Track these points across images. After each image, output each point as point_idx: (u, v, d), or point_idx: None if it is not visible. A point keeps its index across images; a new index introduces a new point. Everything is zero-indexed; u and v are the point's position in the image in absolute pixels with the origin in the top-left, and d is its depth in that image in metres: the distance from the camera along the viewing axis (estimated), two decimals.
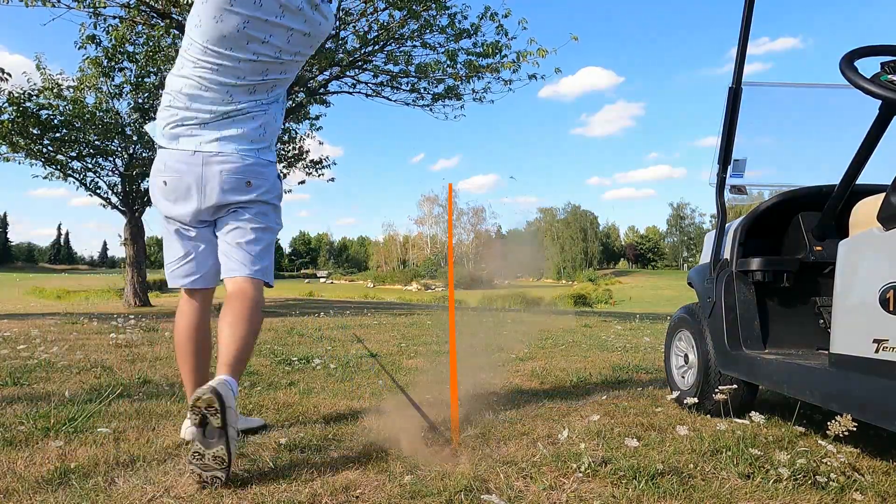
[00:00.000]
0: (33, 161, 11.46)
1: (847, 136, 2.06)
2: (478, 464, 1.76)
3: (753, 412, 2.03)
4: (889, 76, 1.65)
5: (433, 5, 8.60)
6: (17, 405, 2.37)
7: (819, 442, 1.88)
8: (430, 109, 10.31)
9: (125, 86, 10.88)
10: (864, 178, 2.05)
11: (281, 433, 2.08)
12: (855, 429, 1.66)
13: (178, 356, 2.06)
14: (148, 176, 12.86)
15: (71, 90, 10.98)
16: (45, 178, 12.15)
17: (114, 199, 12.17)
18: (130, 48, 9.80)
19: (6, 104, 9.97)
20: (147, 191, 12.18)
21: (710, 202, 2.61)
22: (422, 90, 9.98)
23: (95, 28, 8.45)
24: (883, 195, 1.59)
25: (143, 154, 11.86)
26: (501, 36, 8.90)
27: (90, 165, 11.96)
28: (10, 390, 2.70)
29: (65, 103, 10.89)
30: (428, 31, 9.04)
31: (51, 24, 7.81)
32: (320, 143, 13.42)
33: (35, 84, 10.80)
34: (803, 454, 1.75)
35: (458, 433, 2.06)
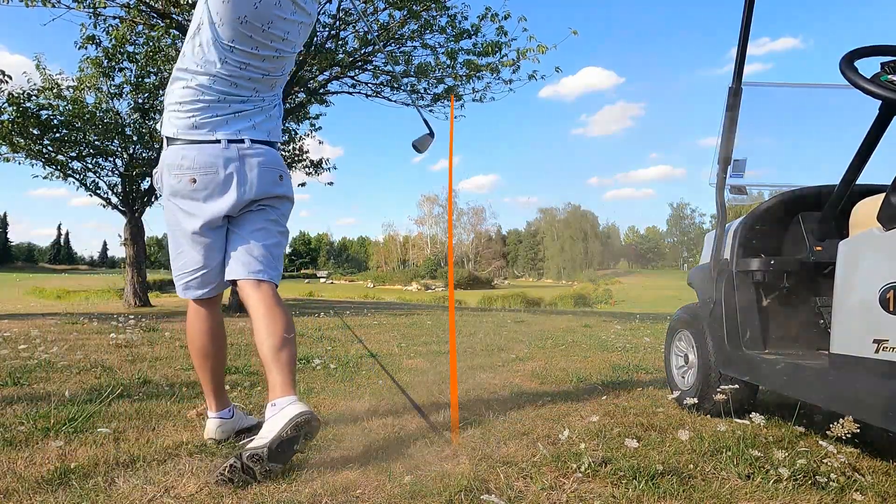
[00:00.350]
0: (33, 161, 11.48)
1: (847, 136, 2.06)
2: (478, 464, 1.76)
3: (753, 412, 2.03)
4: (889, 76, 1.65)
5: (433, 5, 8.61)
6: (17, 405, 2.37)
7: (819, 442, 1.88)
8: (430, 109, 10.32)
9: (125, 86, 10.90)
10: (864, 178, 2.05)
11: None
12: (857, 430, 1.66)
13: (198, 364, 2.02)
14: (148, 176, 12.83)
15: (71, 90, 10.99)
16: (45, 178, 12.18)
17: (114, 199, 12.19)
18: (130, 48, 9.80)
19: (6, 104, 9.97)
20: (147, 191, 12.20)
21: (710, 202, 2.61)
22: (422, 90, 9.99)
23: (95, 28, 8.46)
24: (883, 195, 1.59)
25: (143, 154, 11.87)
26: (501, 36, 8.91)
27: (90, 165, 11.98)
28: (10, 390, 2.70)
29: (65, 103, 10.90)
30: (428, 31, 9.04)
31: (51, 24, 7.81)
32: (320, 143, 13.42)
33: (35, 84, 10.82)
34: (803, 454, 1.75)
35: (458, 433, 2.06)
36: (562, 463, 1.75)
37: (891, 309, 1.46)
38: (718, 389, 2.20)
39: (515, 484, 1.62)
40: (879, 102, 1.77)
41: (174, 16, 7.93)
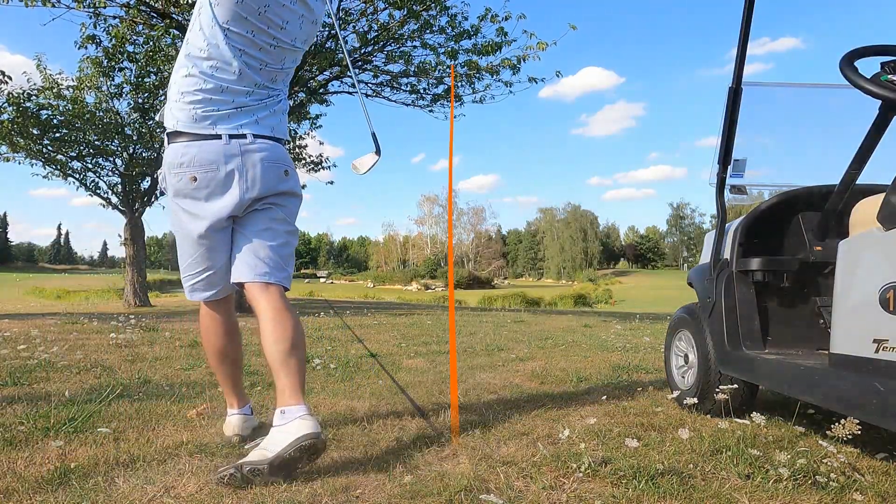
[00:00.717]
0: (33, 161, 11.49)
1: (847, 136, 2.06)
2: (478, 464, 1.76)
3: (753, 412, 2.03)
4: (889, 76, 1.65)
5: (433, 5, 8.61)
6: (17, 405, 2.37)
7: (819, 442, 1.88)
8: (430, 110, 10.33)
9: (125, 86, 10.90)
10: (864, 178, 2.05)
11: None
12: (859, 432, 1.66)
13: (215, 365, 2.01)
14: (148, 176, 12.81)
15: (71, 90, 10.99)
16: (45, 177, 12.19)
17: (114, 199, 12.20)
18: (130, 48, 9.80)
19: (6, 104, 9.98)
20: (147, 191, 12.20)
21: (710, 202, 2.61)
22: (422, 90, 9.99)
23: (95, 28, 8.45)
24: (883, 195, 1.59)
25: (143, 154, 11.88)
26: (501, 37, 8.90)
27: (90, 165, 11.99)
28: (10, 390, 2.70)
29: (65, 103, 10.91)
30: (428, 31, 9.04)
31: (51, 24, 7.82)
32: (320, 143, 13.45)
33: (35, 84, 10.83)
34: (803, 454, 1.75)
35: (458, 433, 2.06)
36: (562, 463, 1.75)
37: (891, 309, 1.46)
38: (718, 389, 2.20)
39: (515, 484, 1.62)
40: (879, 102, 1.77)
41: (174, 16, 7.93)
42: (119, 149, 11.78)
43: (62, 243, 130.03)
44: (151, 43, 9.35)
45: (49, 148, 11.26)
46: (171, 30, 8.15)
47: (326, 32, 8.82)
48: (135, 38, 9.31)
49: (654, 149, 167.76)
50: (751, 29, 2.22)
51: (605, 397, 2.77)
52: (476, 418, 2.33)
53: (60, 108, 10.87)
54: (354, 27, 8.99)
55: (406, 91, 10.06)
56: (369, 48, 9.25)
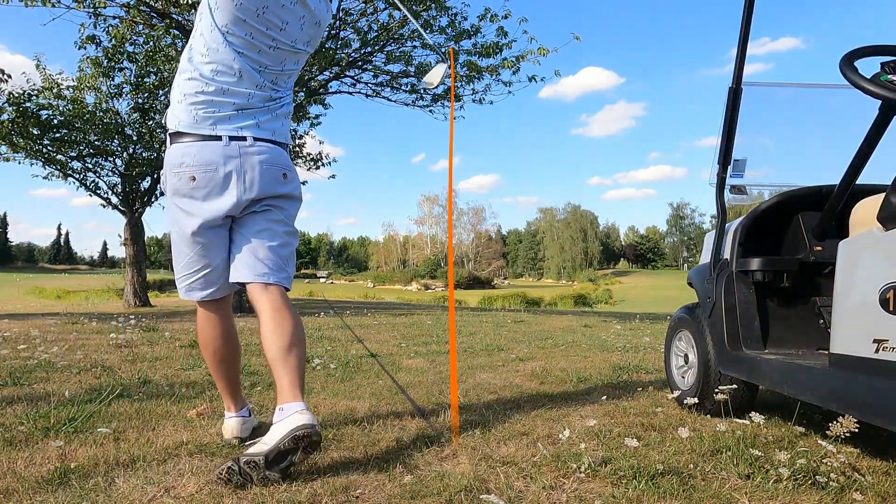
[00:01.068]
0: (33, 161, 11.48)
1: (847, 136, 2.06)
2: (478, 464, 1.76)
3: (753, 412, 2.03)
4: (889, 76, 1.65)
5: (433, 5, 8.61)
6: (17, 405, 2.38)
7: (819, 442, 1.88)
8: (430, 110, 10.33)
9: (125, 86, 10.89)
10: (864, 178, 2.04)
11: None
12: (857, 430, 1.66)
13: (213, 367, 2.01)
14: (148, 176, 12.80)
15: (71, 90, 10.98)
16: (45, 178, 12.18)
17: (114, 199, 12.19)
18: (130, 48, 9.80)
19: (6, 104, 9.98)
20: (147, 191, 12.20)
21: (710, 202, 2.61)
22: (422, 91, 9.99)
23: (95, 28, 8.46)
24: (883, 195, 1.59)
25: (143, 154, 11.87)
26: (501, 38, 8.91)
27: (90, 165, 11.98)
28: (10, 390, 2.70)
29: (65, 103, 10.90)
30: (428, 31, 9.04)
31: (51, 24, 7.82)
32: (320, 143, 13.44)
33: (35, 84, 10.82)
34: (803, 454, 1.75)
35: (458, 433, 2.06)
36: (562, 463, 1.75)
37: (891, 309, 1.46)
38: (718, 389, 2.20)
39: (515, 484, 1.62)
40: (879, 102, 1.77)
41: (174, 16, 7.93)
42: (119, 149, 11.77)
43: (62, 243, 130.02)
44: (151, 43, 9.35)
45: (49, 148, 11.25)
46: (171, 30, 8.15)
47: (326, 32, 8.82)
48: (135, 38, 9.32)
49: (654, 149, 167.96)
50: (751, 29, 2.22)
51: (605, 397, 2.77)
52: (476, 418, 2.33)
53: (60, 108, 10.86)
54: (354, 27, 9.00)
55: (406, 91, 10.07)
56: (369, 48, 9.26)
